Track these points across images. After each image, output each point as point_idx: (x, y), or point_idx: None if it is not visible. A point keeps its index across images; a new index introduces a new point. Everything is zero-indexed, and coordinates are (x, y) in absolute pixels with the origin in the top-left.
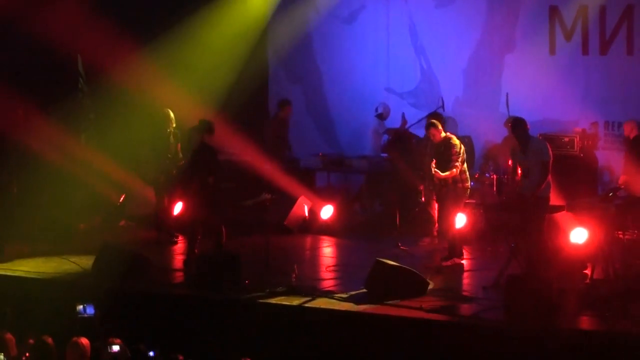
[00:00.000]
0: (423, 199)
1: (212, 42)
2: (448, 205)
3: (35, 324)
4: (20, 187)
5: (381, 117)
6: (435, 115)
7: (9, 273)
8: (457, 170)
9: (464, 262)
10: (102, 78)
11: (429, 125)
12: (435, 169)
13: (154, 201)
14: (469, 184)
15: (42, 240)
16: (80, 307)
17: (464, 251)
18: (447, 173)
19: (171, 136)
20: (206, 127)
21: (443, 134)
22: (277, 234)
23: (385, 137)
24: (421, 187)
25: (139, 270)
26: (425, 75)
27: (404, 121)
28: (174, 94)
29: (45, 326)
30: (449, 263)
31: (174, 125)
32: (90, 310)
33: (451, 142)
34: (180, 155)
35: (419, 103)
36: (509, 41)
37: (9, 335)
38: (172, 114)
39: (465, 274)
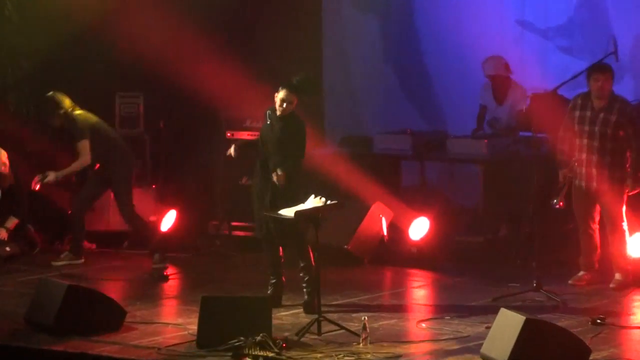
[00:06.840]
0: (561, 203)
1: None
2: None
3: None
4: None
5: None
6: (601, 67)
7: None
8: None
9: None
10: None
11: (595, 69)
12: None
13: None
14: None
15: None
16: None
17: None
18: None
19: None
20: None
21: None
22: (336, 264)
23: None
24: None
25: None
26: (585, 1)
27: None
28: None
29: None
30: None
31: None
32: None
33: None
34: None
35: (573, 46)
36: None
37: None
38: None
39: None
